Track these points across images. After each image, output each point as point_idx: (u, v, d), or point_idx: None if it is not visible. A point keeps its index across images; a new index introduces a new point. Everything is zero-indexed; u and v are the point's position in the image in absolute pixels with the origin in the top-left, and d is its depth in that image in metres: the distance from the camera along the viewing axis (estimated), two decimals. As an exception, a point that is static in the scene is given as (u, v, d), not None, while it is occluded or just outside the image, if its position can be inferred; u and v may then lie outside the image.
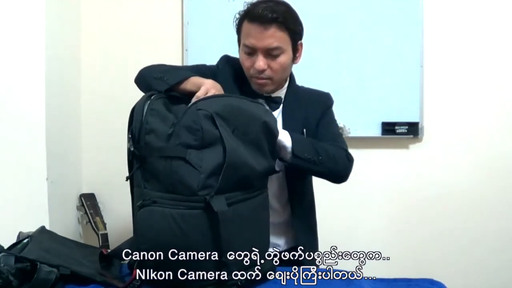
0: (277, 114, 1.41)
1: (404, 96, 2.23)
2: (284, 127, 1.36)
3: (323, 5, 2.20)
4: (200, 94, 1.18)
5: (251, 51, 1.33)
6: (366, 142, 2.27)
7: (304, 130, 1.41)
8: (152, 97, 1.10)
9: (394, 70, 2.22)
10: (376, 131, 2.25)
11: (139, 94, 1.16)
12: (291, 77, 1.47)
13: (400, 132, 2.24)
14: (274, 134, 1.22)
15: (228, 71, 1.42)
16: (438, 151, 2.29)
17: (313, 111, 1.45)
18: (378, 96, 2.23)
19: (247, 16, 1.32)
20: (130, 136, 1.08)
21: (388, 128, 2.24)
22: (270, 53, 1.32)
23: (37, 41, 1.77)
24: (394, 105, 2.23)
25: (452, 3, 2.26)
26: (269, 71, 1.34)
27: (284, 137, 1.30)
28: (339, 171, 1.39)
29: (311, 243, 1.49)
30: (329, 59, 2.21)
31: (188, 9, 2.19)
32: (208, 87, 1.21)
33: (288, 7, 1.35)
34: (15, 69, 1.76)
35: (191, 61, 2.16)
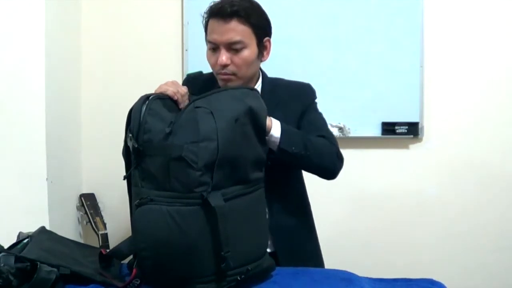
0: None
1: (404, 96, 2.23)
2: None
3: (323, 5, 2.19)
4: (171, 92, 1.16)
5: (215, 47, 1.33)
6: (366, 142, 2.27)
7: None
8: (150, 98, 1.11)
9: (394, 70, 2.22)
10: (376, 131, 2.25)
11: (138, 94, 1.16)
12: (263, 75, 1.44)
13: (400, 132, 2.24)
14: (260, 120, 1.17)
15: (197, 80, 1.44)
16: (438, 151, 2.29)
17: (292, 107, 1.41)
18: (378, 96, 2.22)
19: (210, 14, 1.33)
20: (131, 135, 1.08)
21: (388, 128, 2.24)
22: (232, 47, 1.31)
23: (37, 42, 1.77)
24: (394, 105, 2.23)
25: (452, 3, 2.26)
26: (232, 66, 1.32)
27: (275, 128, 1.27)
28: (326, 167, 1.36)
29: (292, 246, 1.42)
30: (329, 59, 2.20)
31: (188, 9, 2.19)
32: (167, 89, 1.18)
33: (251, 3, 1.34)
34: (15, 69, 1.77)
35: (191, 61, 2.16)
